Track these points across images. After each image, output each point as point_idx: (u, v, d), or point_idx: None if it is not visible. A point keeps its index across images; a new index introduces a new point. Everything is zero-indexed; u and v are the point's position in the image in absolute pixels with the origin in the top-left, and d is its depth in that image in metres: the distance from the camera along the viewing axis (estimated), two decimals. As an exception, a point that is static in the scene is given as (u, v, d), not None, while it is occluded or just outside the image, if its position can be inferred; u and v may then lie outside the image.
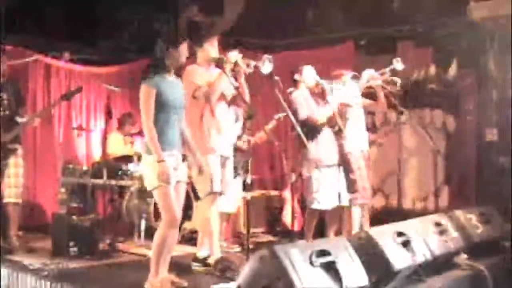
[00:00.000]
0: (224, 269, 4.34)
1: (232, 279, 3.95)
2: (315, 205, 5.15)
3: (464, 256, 4.43)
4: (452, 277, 4.17)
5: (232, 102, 4.69)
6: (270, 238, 6.45)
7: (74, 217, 5.23)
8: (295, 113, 4.98)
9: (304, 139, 4.79)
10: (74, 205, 6.54)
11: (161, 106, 3.85)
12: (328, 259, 3.19)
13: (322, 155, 5.15)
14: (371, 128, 6.76)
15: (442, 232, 4.32)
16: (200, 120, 4.49)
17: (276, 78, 4.48)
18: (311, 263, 3.11)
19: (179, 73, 4.04)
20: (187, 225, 5.91)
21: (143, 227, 5.79)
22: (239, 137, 5.56)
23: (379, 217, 6.22)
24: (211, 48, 4.60)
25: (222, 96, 4.57)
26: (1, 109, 5.25)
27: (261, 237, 6.41)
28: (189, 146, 4.12)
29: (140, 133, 5.86)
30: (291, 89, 5.28)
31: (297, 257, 3.07)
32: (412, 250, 3.81)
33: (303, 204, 5.86)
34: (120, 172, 6.25)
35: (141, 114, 3.87)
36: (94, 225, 5.21)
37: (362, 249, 3.52)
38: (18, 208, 5.41)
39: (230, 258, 4.53)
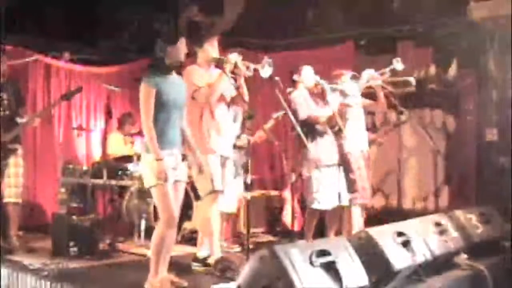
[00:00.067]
0: (224, 269, 4.34)
1: (232, 279, 3.95)
2: (315, 205, 5.15)
3: (464, 256, 4.43)
4: (452, 277, 4.17)
5: (232, 103, 4.70)
6: (270, 238, 6.44)
7: (74, 217, 5.23)
8: (294, 113, 4.99)
9: (304, 139, 4.80)
10: (74, 205, 6.54)
11: (162, 105, 3.85)
12: (328, 259, 3.19)
13: (322, 155, 5.15)
14: (371, 128, 6.76)
15: (442, 232, 4.32)
16: (200, 121, 4.49)
17: (276, 78, 4.48)
18: (311, 263, 3.11)
19: (179, 71, 4.04)
20: (187, 225, 5.92)
21: (143, 227, 5.78)
22: (238, 137, 5.56)
23: (379, 217, 6.24)
24: (211, 48, 4.61)
25: (222, 97, 4.57)
26: (1, 109, 5.25)
27: (261, 237, 6.40)
28: (189, 145, 4.13)
29: (140, 133, 5.86)
30: (290, 89, 5.29)
31: (297, 257, 3.07)
32: (412, 250, 3.81)
33: (303, 204, 5.86)
34: (120, 172, 6.25)
35: (141, 114, 3.87)
36: (94, 225, 5.21)
37: (362, 249, 3.52)
38: (18, 208, 5.41)
39: (230, 258, 4.53)
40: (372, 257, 3.52)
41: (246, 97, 4.52)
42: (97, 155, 7.34)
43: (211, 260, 4.52)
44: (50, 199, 7.16)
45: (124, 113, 7.20)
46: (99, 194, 6.78)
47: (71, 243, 5.03)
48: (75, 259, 4.93)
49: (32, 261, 4.77)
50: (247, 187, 4.34)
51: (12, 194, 5.31)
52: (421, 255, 3.88)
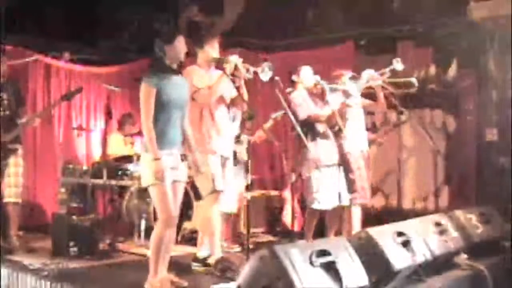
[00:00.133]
0: (224, 269, 4.34)
1: (232, 279, 3.95)
2: (315, 205, 5.14)
3: (464, 256, 4.43)
4: (452, 277, 4.17)
5: (232, 104, 4.70)
6: (270, 238, 6.45)
7: (74, 217, 5.23)
8: (294, 113, 4.99)
9: (304, 139, 4.80)
10: (74, 205, 6.54)
11: (162, 105, 3.85)
12: (328, 259, 3.19)
13: (322, 155, 5.15)
14: (371, 128, 6.76)
15: (442, 232, 4.31)
16: (200, 121, 4.50)
17: (276, 78, 4.48)
18: (311, 263, 3.11)
19: (180, 71, 4.03)
20: (187, 225, 5.92)
21: (143, 227, 5.78)
22: (237, 137, 5.56)
23: (379, 217, 6.24)
24: (212, 49, 4.61)
25: (221, 99, 4.58)
26: (1, 109, 5.25)
27: (261, 237, 6.40)
28: (189, 144, 4.12)
29: (140, 133, 5.86)
30: (289, 89, 5.29)
31: (297, 257, 3.07)
32: (412, 250, 3.81)
33: (303, 204, 5.87)
34: (120, 172, 6.25)
35: (141, 114, 3.87)
36: (94, 225, 5.21)
37: (362, 249, 3.52)
38: (18, 207, 5.41)
39: (230, 258, 4.52)
40: (372, 257, 3.52)
41: (246, 98, 4.52)
42: (97, 155, 7.34)
43: (211, 260, 4.52)
44: (50, 199, 7.16)
45: (124, 114, 7.19)
46: (99, 194, 6.78)
47: (71, 243, 5.04)
48: (75, 259, 4.93)
49: (32, 261, 4.78)
50: (247, 187, 4.34)
51: (12, 194, 5.31)
52: (421, 255, 3.88)
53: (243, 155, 5.52)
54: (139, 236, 5.78)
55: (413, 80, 5.53)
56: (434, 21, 6.48)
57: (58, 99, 5.72)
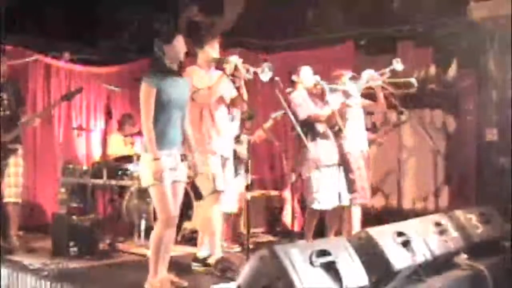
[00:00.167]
0: (224, 269, 4.35)
1: (232, 279, 3.95)
2: (315, 205, 5.14)
3: (464, 256, 4.43)
4: (452, 277, 4.17)
5: (232, 105, 4.70)
6: (270, 238, 6.45)
7: (74, 217, 5.23)
8: (294, 113, 4.99)
9: (304, 139, 4.80)
10: (74, 205, 6.54)
11: (162, 105, 3.85)
12: (328, 259, 3.19)
13: (322, 155, 5.15)
14: (371, 128, 6.76)
15: (442, 232, 4.32)
16: (200, 121, 4.50)
17: (276, 78, 4.48)
18: (311, 263, 3.11)
19: (180, 71, 4.03)
20: (187, 225, 5.92)
21: (143, 227, 5.78)
22: (236, 137, 5.56)
23: (379, 217, 6.23)
24: (212, 50, 4.60)
25: (221, 99, 4.58)
26: (1, 109, 5.25)
27: (261, 237, 6.40)
28: (190, 145, 4.12)
29: (140, 133, 5.86)
30: (289, 89, 5.29)
31: (297, 257, 3.07)
32: (412, 250, 3.81)
33: (303, 204, 5.86)
34: (120, 172, 6.25)
35: (141, 114, 3.87)
36: (94, 225, 5.21)
37: (362, 249, 3.52)
38: (18, 207, 5.41)
39: (230, 258, 4.53)
40: (372, 257, 3.52)
41: (246, 98, 4.52)
42: (97, 155, 7.34)
43: (211, 260, 4.52)
44: (50, 199, 7.16)
45: (124, 114, 7.20)
46: (99, 194, 6.78)
47: (71, 243, 5.04)
48: (75, 259, 4.93)
49: (32, 261, 4.78)
50: (247, 187, 4.33)
51: (12, 194, 5.31)
52: (421, 255, 3.88)
53: (243, 155, 5.52)
54: (139, 236, 5.78)
55: (413, 80, 5.53)
56: (434, 21, 6.48)
57: (58, 99, 5.72)
